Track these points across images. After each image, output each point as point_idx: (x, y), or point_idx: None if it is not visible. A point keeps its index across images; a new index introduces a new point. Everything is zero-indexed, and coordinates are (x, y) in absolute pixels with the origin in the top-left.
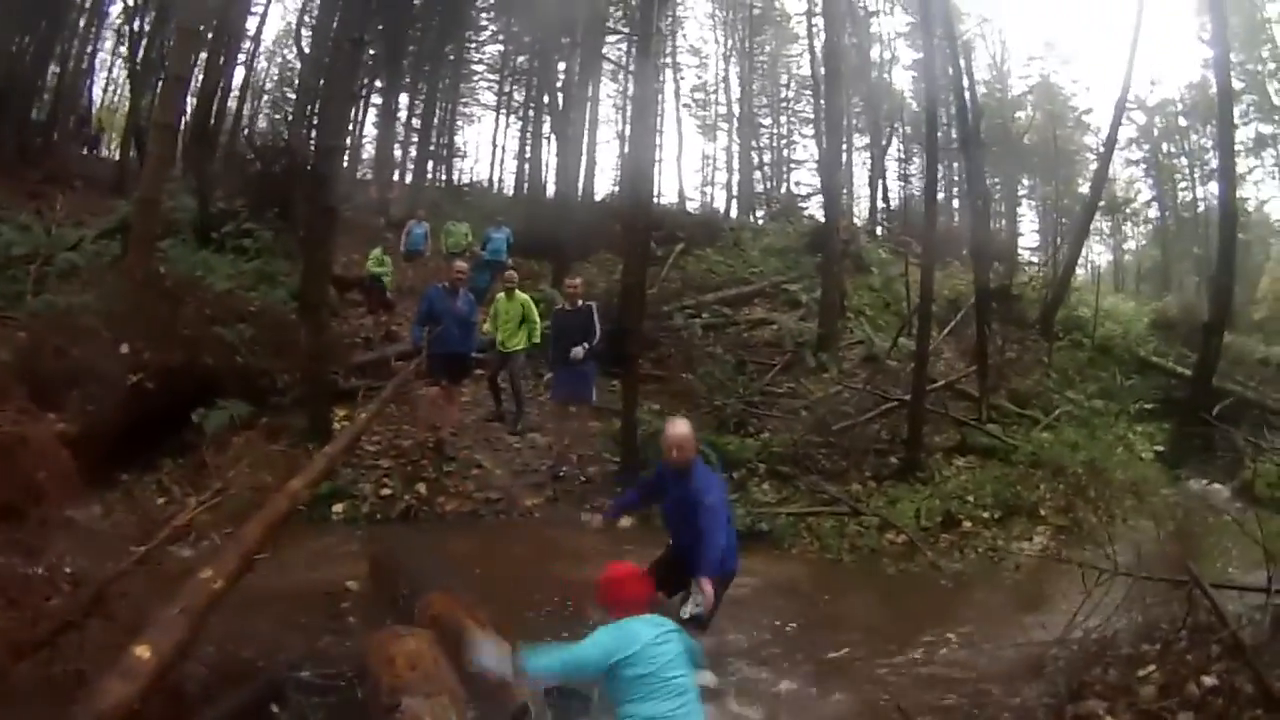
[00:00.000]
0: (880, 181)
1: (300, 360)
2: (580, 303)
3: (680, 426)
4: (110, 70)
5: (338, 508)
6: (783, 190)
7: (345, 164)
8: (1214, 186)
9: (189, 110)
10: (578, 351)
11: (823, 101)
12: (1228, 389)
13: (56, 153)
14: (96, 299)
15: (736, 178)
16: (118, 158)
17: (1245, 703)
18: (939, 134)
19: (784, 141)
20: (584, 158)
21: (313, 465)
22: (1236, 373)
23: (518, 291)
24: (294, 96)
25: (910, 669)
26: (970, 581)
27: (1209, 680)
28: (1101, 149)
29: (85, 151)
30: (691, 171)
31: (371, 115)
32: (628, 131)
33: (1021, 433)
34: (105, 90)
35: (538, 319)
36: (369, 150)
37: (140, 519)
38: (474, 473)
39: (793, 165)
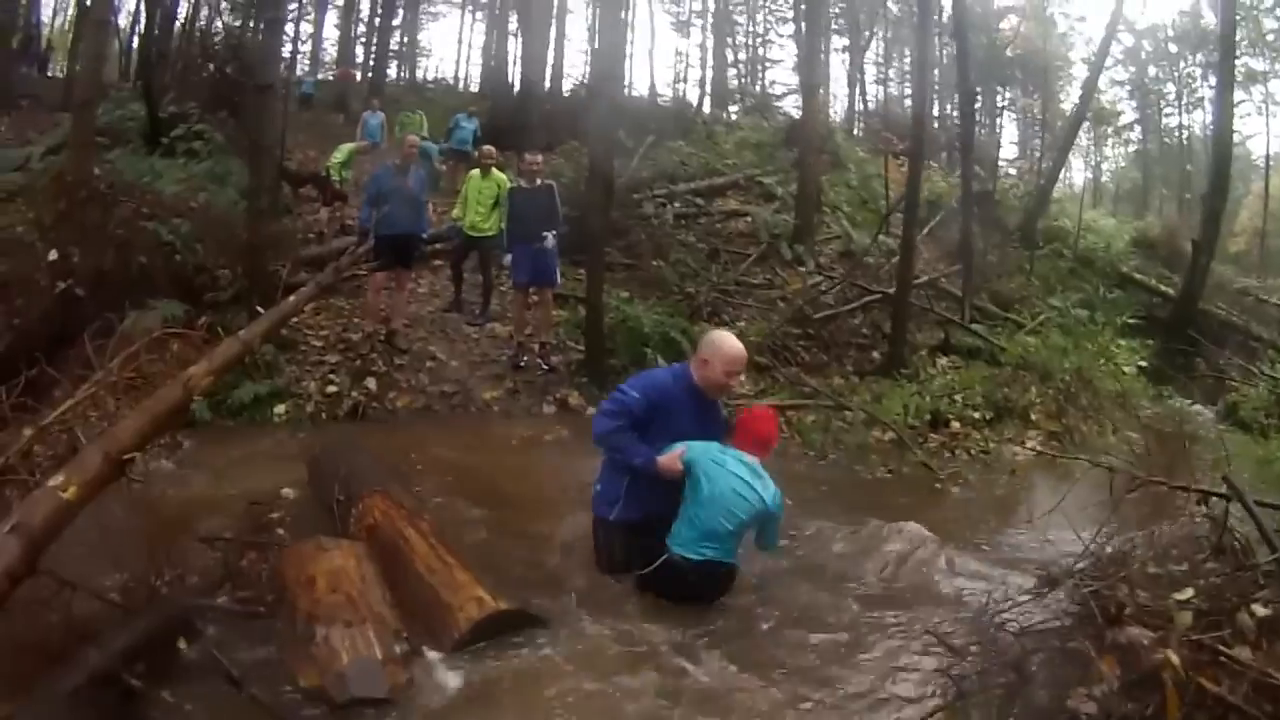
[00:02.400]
0: (859, 81)
1: (242, 255)
2: (539, 181)
3: (740, 346)
4: None
5: (280, 408)
6: (757, 89)
7: (306, 64)
8: (1199, 114)
9: (142, 16)
10: (548, 239)
11: None
12: (1212, 312)
13: (1, 73)
14: (30, 209)
15: (710, 74)
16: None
17: None
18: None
19: (759, 40)
20: (551, 49)
21: (219, 350)
22: (1218, 299)
23: (495, 170)
24: None
25: (923, 569)
26: (965, 483)
27: (1261, 610)
28: (1092, 58)
29: (34, 71)
30: (664, 68)
31: (333, 16)
32: (598, 25)
33: (1005, 335)
34: (55, 12)
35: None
36: (330, 51)
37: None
38: (428, 365)
39: (768, 64)
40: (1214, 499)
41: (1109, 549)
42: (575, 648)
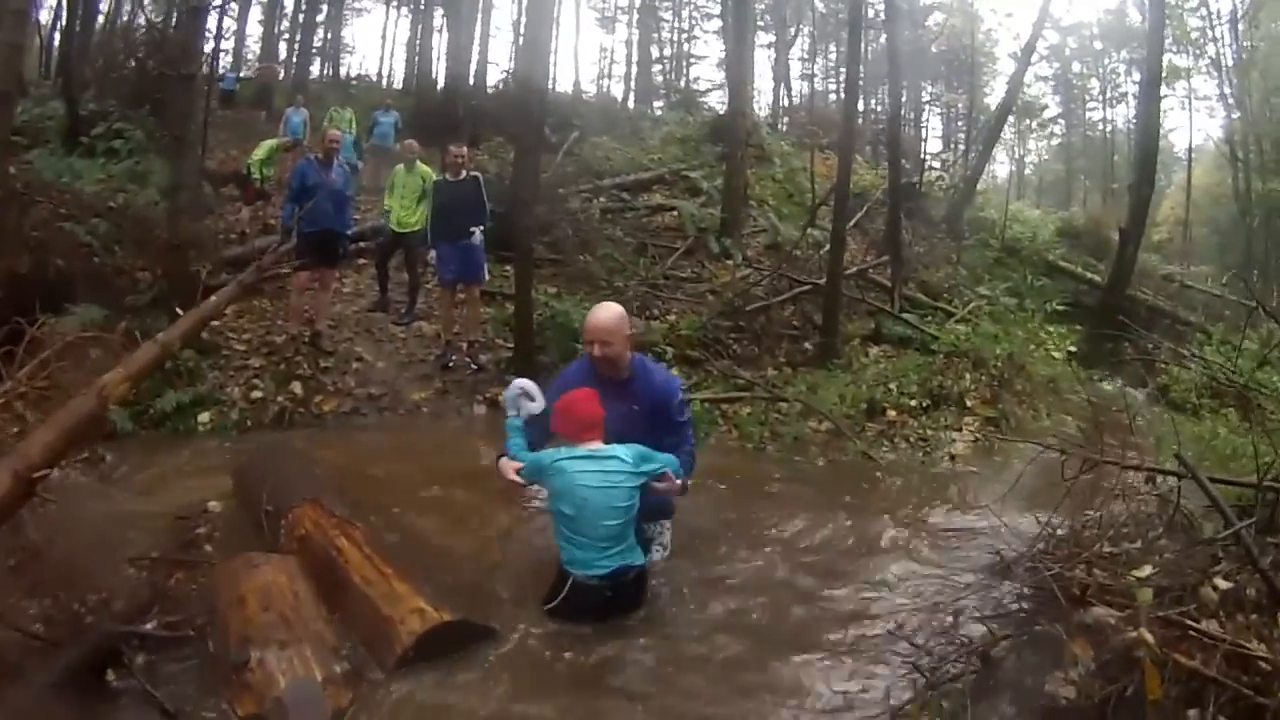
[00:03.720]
0: (784, 77)
1: (162, 256)
2: (465, 173)
3: (601, 313)
4: None
5: (204, 416)
6: (682, 84)
7: (229, 60)
8: (1122, 109)
9: (63, 12)
10: (476, 234)
11: None
12: (1140, 297)
13: None
14: None
15: (635, 70)
16: None
17: (1252, 607)
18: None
19: (685, 36)
20: (476, 45)
21: (136, 355)
22: (1144, 285)
23: (419, 164)
24: None
25: (876, 560)
26: (906, 471)
27: (1223, 583)
28: (1020, 53)
29: None
30: (588, 64)
31: (256, 12)
32: (523, 21)
33: (935, 324)
34: None
35: None
36: (253, 48)
37: None
38: (354, 367)
39: (693, 60)
40: (1161, 477)
41: (1060, 531)
42: (526, 660)
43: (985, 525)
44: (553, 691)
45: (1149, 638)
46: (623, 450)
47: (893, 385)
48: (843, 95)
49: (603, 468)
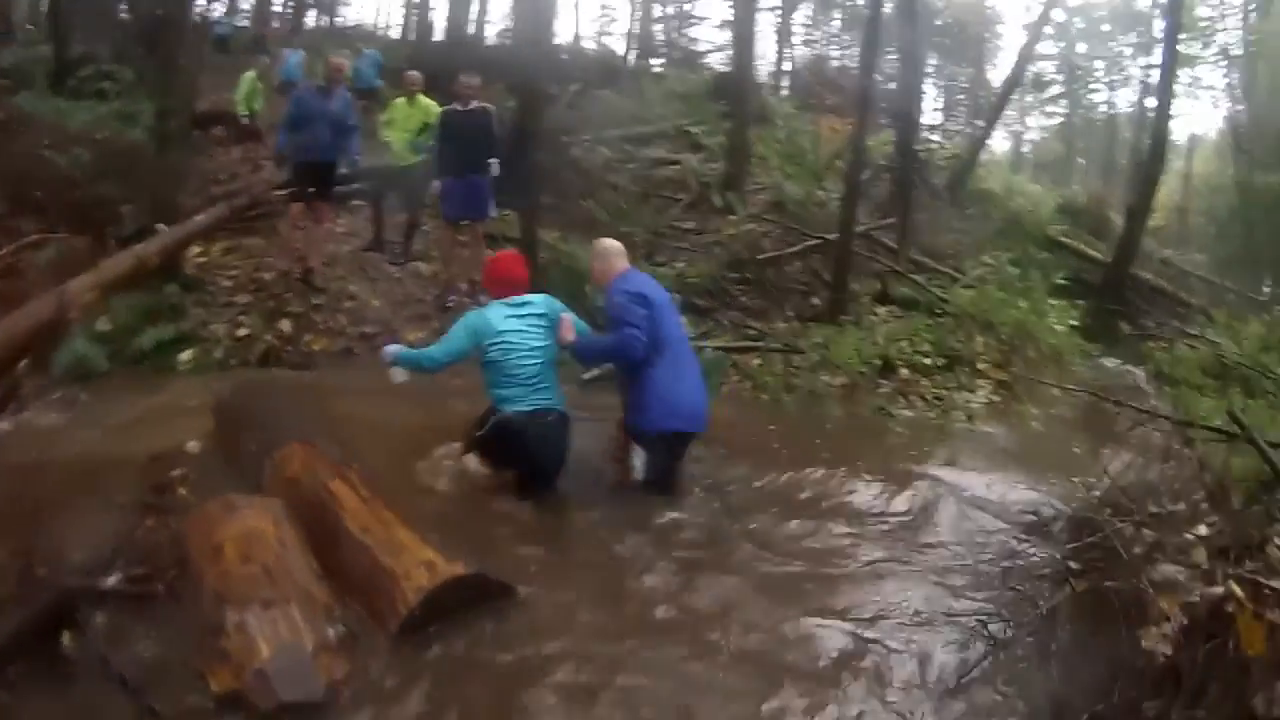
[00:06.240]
0: (787, 41)
1: (148, 185)
2: (475, 104)
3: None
4: None
5: (185, 355)
6: (683, 43)
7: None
8: (1126, 93)
9: None
10: (493, 165)
11: None
12: (1142, 277)
13: None
14: None
15: (636, 27)
16: None
17: None
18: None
19: None
20: None
21: (106, 265)
22: (1144, 266)
23: (420, 96)
24: None
25: (910, 518)
26: (924, 429)
27: None
28: (1034, 24)
29: None
30: (588, 20)
31: None
32: None
33: (940, 288)
34: None
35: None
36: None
37: None
38: (347, 305)
39: (693, 20)
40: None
41: (1095, 493)
42: (548, 618)
43: (1011, 484)
44: (588, 656)
45: (1239, 591)
46: (538, 299)
47: (904, 343)
48: (856, 49)
49: (519, 312)
